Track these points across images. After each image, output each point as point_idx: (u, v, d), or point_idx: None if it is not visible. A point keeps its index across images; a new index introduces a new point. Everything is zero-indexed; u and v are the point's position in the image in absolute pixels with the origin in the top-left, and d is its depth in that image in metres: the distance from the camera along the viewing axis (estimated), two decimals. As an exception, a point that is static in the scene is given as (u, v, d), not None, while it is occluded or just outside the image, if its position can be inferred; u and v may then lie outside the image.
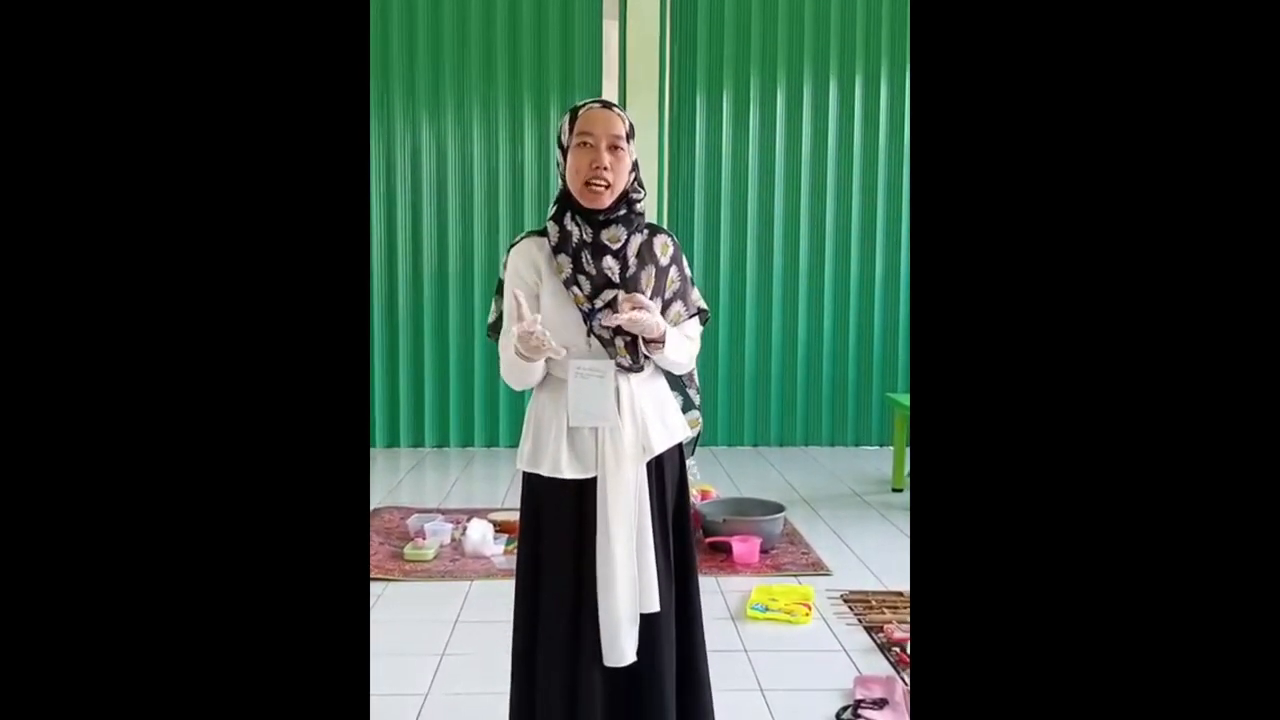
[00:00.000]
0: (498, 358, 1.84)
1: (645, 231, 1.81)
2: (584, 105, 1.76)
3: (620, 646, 1.74)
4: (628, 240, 1.77)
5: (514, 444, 5.65)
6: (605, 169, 1.70)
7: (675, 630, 1.84)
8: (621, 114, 1.75)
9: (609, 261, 1.75)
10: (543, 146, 5.66)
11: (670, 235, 1.87)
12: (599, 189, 1.71)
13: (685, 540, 1.90)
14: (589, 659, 1.76)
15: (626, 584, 1.74)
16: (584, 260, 1.74)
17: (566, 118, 1.77)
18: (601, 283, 1.74)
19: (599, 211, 1.74)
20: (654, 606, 1.76)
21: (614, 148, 1.71)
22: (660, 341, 1.75)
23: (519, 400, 5.71)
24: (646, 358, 1.79)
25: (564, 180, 1.77)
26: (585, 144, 1.71)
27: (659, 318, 1.73)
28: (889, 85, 5.76)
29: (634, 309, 1.68)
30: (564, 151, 1.76)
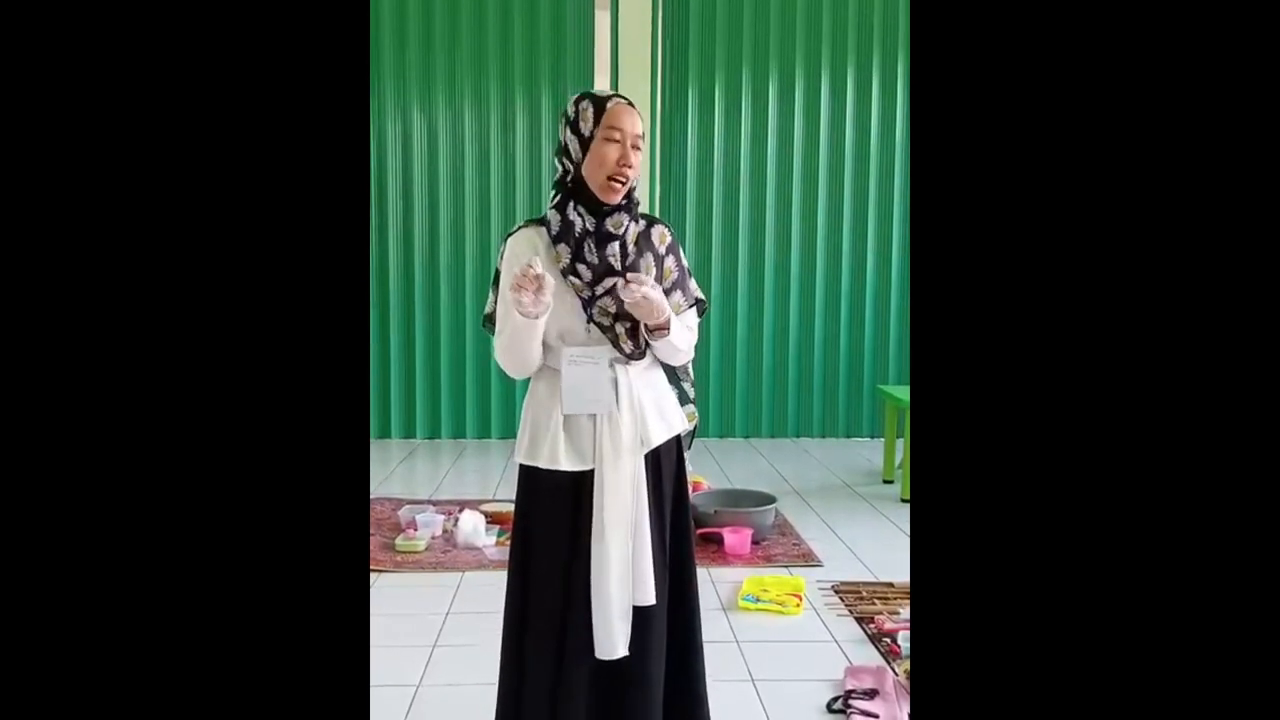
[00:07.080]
0: (490, 347, 1.83)
1: (642, 222, 1.81)
2: (609, 98, 1.74)
3: (613, 639, 1.74)
4: (627, 228, 1.77)
5: (505, 435, 5.67)
6: (630, 167, 1.73)
7: (670, 625, 1.84)
8: (640, 114, 1.77)
9: (613, 248, 1.74)
10: (534, 136, 5.64)
11: (667, 225, 1.87)
12: (618, 186, 1.73)
13: (683, 536, 1.89)
14: (576, 653, 1.75)
15: (620, 577, 1.73)
16: (586, 249, 1.74)
17: (586, 106, 1.74)
18: (603, 270, 1.74)
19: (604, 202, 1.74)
20: (649, 600, 1.76)
21: (635, 147, 1.74)
22: (665, 328, 1.74)
23: (511, 391, 5.71)
24: (647, 345, 1.78)
25: (572, 167, 1.75)
26: (614, 140, 1.71)
27: (665, 302, 1.73)
28: (882, 74, 5.76)
29: (642, 288, 1.66)
30: (582, 140, 1.73)
